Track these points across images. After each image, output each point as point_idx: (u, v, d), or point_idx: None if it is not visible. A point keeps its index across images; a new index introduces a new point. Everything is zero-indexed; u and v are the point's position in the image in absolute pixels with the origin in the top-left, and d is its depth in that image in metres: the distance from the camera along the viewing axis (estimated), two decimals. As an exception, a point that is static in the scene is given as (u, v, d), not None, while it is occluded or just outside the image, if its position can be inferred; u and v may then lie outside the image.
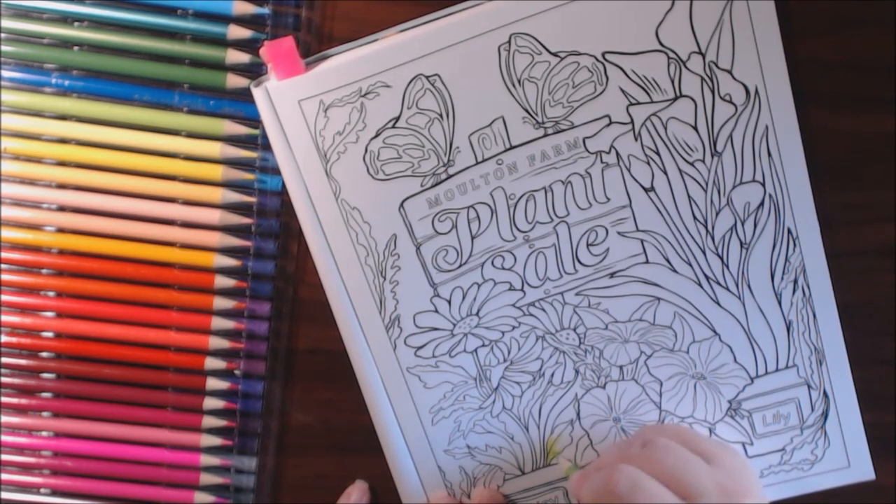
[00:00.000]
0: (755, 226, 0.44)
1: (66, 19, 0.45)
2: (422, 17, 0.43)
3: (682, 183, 0.44)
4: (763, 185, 0.44)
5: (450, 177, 0.44)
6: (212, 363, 0.47)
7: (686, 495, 0.40)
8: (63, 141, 0.46)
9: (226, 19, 0.45)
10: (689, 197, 0.44)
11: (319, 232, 0.44)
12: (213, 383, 0.47)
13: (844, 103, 0.45)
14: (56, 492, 0.48)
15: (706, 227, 0.44)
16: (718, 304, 0.45)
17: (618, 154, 0.44)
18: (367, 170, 0.43)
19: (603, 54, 0.42)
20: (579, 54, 0.42)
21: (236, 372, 0.47)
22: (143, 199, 0.46)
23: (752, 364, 0.46)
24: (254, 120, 0.45)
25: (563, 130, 0.43)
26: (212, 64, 0.45)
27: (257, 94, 0.43)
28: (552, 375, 0.47)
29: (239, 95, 0.45)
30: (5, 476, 0.47)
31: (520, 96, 0.43)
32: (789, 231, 0.45)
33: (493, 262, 0.45)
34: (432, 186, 0.44)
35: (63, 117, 0.45)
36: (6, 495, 0.48)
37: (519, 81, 0.42)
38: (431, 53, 0.42)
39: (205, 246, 0.46)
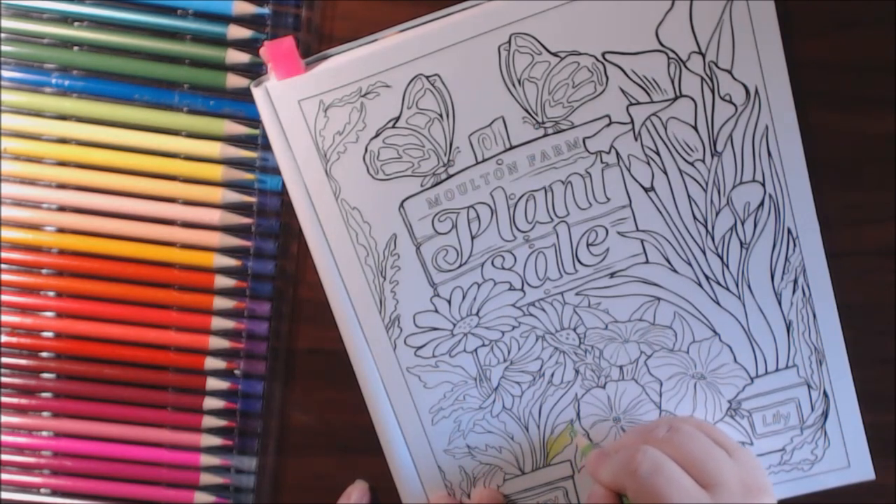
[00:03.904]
0: (755, 226, 0.44)
1: (66, 19, 0.45)
2: (422, 17, 0.43)
3: (682, 183, 0.44)
4: (763, 185, 0.44)
5: (450, 177, 0.44)
6: (212, 363, 0.47)
7: (707, 484, 0.40)
8: (63, 141, 0.46)
9: (226, 19, 0.45)
10: (689, 197, 0.44)
11: (319, 232, 0.44)
12: (213, 383, 0.47)
13: (844, 103, 0.45)
14: (56, 492, 0.48)
15: (706, 227, 0.44)
16: (718, 304, 0.45)
17: (618, 154, 0.44)
18: (367, 170, 0.44)
19: (603, 54, 0.42)
20: (579, 54, 0.42)
21: (236, 372, 0.47)
22: (143, 198, 0.46)
23: (752, 364, 0.46)
24: (254, 120, 0.45)
25: (563, 130, 0.43)
26: (212, 64, 0.45)
27: (257, 94, 0.43)
28: (552, 375, 0.47)
29: (239, 95, 0.45)
30: (5, 476, 0.47)
31: (520, 96, 0.43)
32: (789, 231, 0.45)
33: (493, 262, 0.45)
34: (432, 186, 0.44)
35: (63, 117, 0.45)
36: (6, 495, 0.48)
37: (519, 81, 0.42)
38: (431, 53, 0.42)
39: (205, 246, 0.46)
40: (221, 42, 0.45)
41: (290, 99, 0.42)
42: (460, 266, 0.45)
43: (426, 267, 0.45)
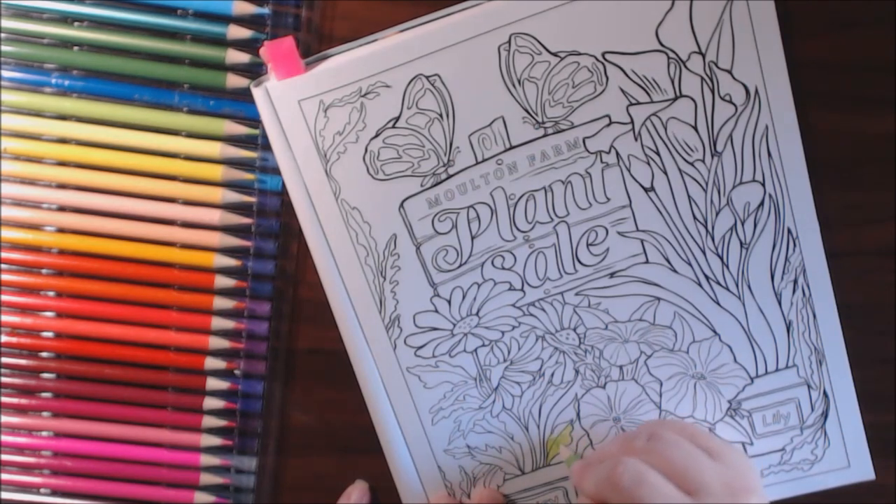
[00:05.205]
0: (755, 226, 0.44)
1: (66, 19, 0.45)
2: (422, 17, 0.43)
3: (682, 183, 0.44)
4: (763, 185, 0.44)
5: (450, 177, 0.44)
6: (212, 363, 0.47)
7: (690, 491, 0.40)
8: (63, 141, 0.46)
9: (226, 19, 0.45)
10: (689, 197, 0.44)
11: (319, 232, 0.44)
12: (213, 383, 0.47)
13: (844, 103, 0.45)
14: (56, 492, 0.48)
15: (706, 227, 0.44)
16: (718, 304, 0.45)
17: (618, 154, 0.44)
18: (367, 170, 0.44)
19: (603, 54, 0.42)
20: (579, 54, 0.42)
21: (236, 372, 0.47)
22: (143, 198, 0.46)
23: (752, 364, 0.46)
24: (254, 120, 0.45)
25: (563, 130, 0.43)
26: (212, 64, 0.45)
27: (257, 94, 0.43)
28: (552, 375, 0.47)
29: (239, 95, 0.45)
30: (5, 476, 0.47)
31: (520, 96, 0.43)
32: (789, 231, 0.45)
33: (493, 262, 0.45)
34: (432, 186, 0.44)
35: (63, 117, 0.45)
36: (6, 495, 0.48)
37: (519, 81, 0.42)
38: (431, 53, 0.42)
39: (205, 246, 0.46)
40: (221, 42, 0.45)
41: (290, 99, 0.42)
42: (460, 266, 0.45)
43: (426, 267, 0.45)
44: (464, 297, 0.45)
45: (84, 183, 0.46)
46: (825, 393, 0.47)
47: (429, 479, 0.48)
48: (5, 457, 0.48)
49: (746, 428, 0.47)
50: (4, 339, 0.47)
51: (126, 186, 0.46)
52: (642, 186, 0.44)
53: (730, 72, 0.42)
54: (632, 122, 0.43)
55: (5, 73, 0.45)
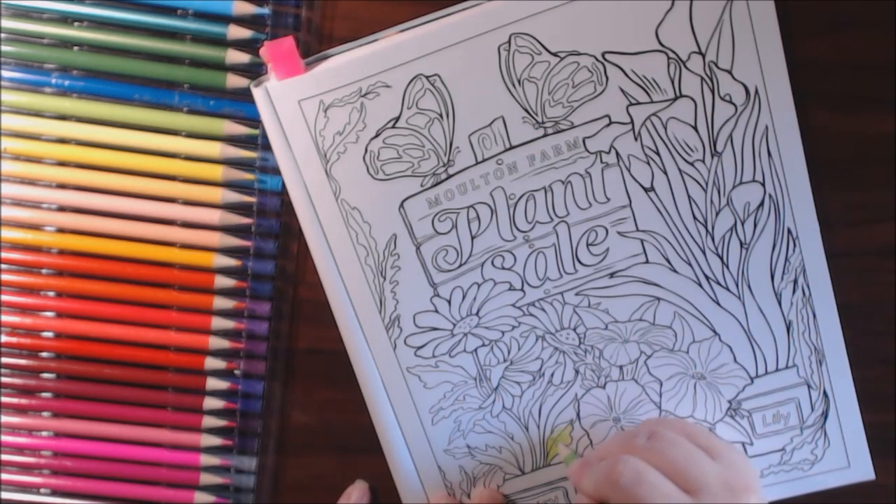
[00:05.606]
0: (755, 226, 0.44)
1: (66, 19, 0.45)
2: (422, 17, 0.43)
3: (682, 183, 0.44)
4: (763, 185, 0.44)
5: (450, 177, 0.44)
6: (212, 363, 0.47)
7: (690, 490, 0.40)
8: (63, 141, 0.46)
9: (226, 19, 0.45)
10: (689, 197, 0.44)
11: (319, 232, 0.44)
12: (213, 383, 0.47)
13: (844, 103, 0.45)
14: (56, 492, 0.48)
15: (706, 227, 0.44)
16: (718, 304, 0.45)
17: (618, 154, 0.44)
18: (367, 170, 0.44)
19: (603, 54, 0.42)
20: (579, 54, 0.42)
21: (236, 372, 0.47)
22: (143, 199, 0.46)
23: (752, 364, 0.46)
24: (254, 120, 0.45)
25: (563, 130, 0.43)
26: (212, 64, 0.45)
27: (257, 94, 0.43)
28: (552, 375, 0.47)
29: (239, 95, 0.45)
30: (5, 476, 0.47)
31: (520, 96, 0.43)
32: (789, 231, 0.45)
33: (493, 262, 0.45)
34: (432, 186, 0.44)
35: (63, 117, 0.45)
36: (6, 495, 0.48)
37: (519, 81, 0.42)
38: (431, 53, 0.42)
39: (205, 246, 0.46)
40: (221, 42, 0.45)
41: (290, 99, 0.42)
42: (460, 266, 0.45)
43: (426, 267, 0.45)
44: (464, 297, 0.45)
45: (84, 183, 0.46)
46: (825, 393, 0.47)
47: (429, 479, 0.48)
48: (5, 457, 0.48)
49: (746, 428, 0.47)
50: (4, 339, 0.47)
51: (126, 186, 0.46)
52: (642, 186, 0.44)
53: (730, 72, 0.42)
54: (632, 122, 0.43)
55: (5, 73, 0.45)
